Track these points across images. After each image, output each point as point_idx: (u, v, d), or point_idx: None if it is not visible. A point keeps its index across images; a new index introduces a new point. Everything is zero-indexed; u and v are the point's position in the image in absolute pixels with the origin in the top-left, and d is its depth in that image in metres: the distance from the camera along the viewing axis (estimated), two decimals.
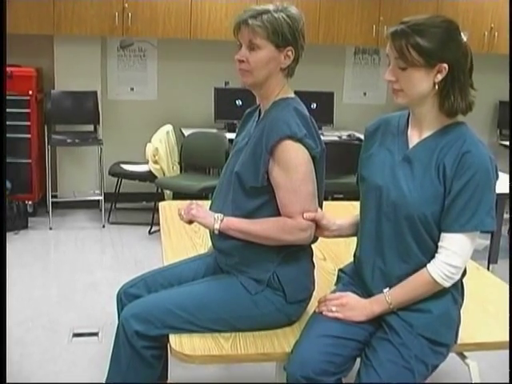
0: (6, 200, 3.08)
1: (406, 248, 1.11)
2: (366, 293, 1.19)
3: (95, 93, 3.60)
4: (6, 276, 1.53)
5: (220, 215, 1.22)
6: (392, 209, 1.12)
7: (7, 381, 1.33)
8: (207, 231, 1.33)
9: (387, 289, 1.13)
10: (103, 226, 3.43)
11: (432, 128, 1.11)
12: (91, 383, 1.15)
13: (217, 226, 1.21)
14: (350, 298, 1.17)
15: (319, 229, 1.22)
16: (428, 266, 1.09)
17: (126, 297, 1.35)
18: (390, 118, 1.21)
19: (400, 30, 1.05)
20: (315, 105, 3.84)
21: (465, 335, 1.18)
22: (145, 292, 1.33)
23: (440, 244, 1.09)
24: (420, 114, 1.11)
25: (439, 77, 1.06)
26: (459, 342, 1.17)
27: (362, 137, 3.34)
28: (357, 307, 1.15)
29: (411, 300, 1.11)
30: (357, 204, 1.26)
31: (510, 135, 1.12)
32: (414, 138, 1.14)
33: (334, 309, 1.15)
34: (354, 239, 1.26)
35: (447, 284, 1.09)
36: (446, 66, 1.05)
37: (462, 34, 1.06)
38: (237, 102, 3.70)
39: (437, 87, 1.06)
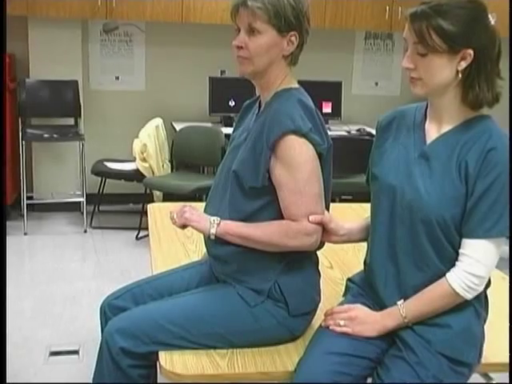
0: (6, 200, 3.08)
1: (422, 255, 1.12)
2: (378, 305, 1.19)
3: (76, 82, 3.60)
4: (5, 277, 1.57)
5: (216, 219, 1.22)
6: (407, 211, 1.12)
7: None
8: (201, 236, 1.33)
9: (401, 301, 1.13)
10: (85, 231, 3.43)
11: (453, 121, 1.11)
12: (94, 383, 1.18)
13: (213, 231, 1.21)
14: (360, 310, 1.17)
15: (326, 233, 1.22)
16: (447, 275, 1.09)
17: (110, 310, 1.35)
18: (405, 110, 1.21)
19: (420, 10, 1.04)
20: (321, 96, 3.84)
21: (490, 354, 1.18)
22: (131, 304, 1.33)
23: (461, 251, 1.09)
24: (440, 105, 1.11)
25: (463, 64, 1.05)
26: (483, 361, 1.16)
27: (373, 131, 3.30)
28: (367, 321, 1.15)
29: (429, 314, 1.11)
30: (367, 206, 1.26)
31: (510, 135, 1.12)
32: (432, 132, 1.14)
33: (341, 323, 1.16)
34: (364, 245, 1.26)
35: (469, 296, 1.08)
36: (471, 52, 1.04)
37: (489, 16, 1.06)
38: (234, 93, 3.71)
39: (460, 76, 1.06)
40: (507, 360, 1.20)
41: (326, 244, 1.29)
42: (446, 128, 1.12)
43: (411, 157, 1.14)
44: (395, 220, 1.14)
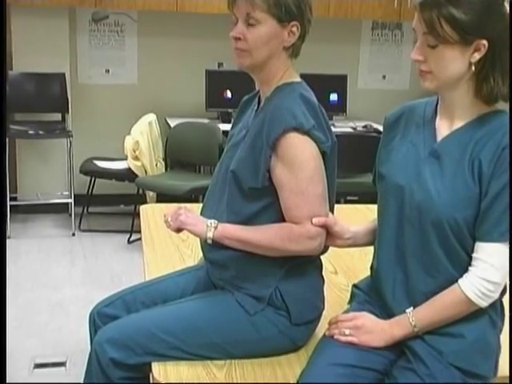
0: (6, 199, 3.08)
1: (433, 259, 1.12)
2: (386, 313, 1.19)
3: (63, 75, 3.60)
4: (5, 277, 1.58)
5: (213, 222, 1.22)
6: (416, 213, 1.12)
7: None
8: (197, 240, 1.34)
9: (411, 308, 1.13)
10: (73, 234, 3.43)
11: (466, 117, 1.11)
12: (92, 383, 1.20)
13: (210, 235, 1.21)
14: (367, 318, 1.17)
15: (330, 237, 1.22)
16: (460, 281, 1.09)
17: (100, 318, 1.36)
18: (414, 105, 1.21)
19: None
20: (325, 90, 3.85)
21: (506, 366, 1.17)
22: (123, 312, 1.34)
23: (475, 255, 1.09)
24: (452, 100, 1.11)
25: (477, 56, 1.05)
26: (499, 374, 1.16)
27: (380, 128, 3.31)
28: (374, 330, 1.15)
29: (440, 322, 1.11)
30: (374, 207, 1.26)
31: (510, 135, 1.12)
32: (443, 128, 1.14)
33: (347, 332, 1.16)
34: (371, 249, 1.27)
35: (484, 303, 1.08)
36: (485, 42, 1.04)
37: (505, 4, 1.06)
38: (232, 88, 3.71)
39: (473, 68, 1.06)
40: None
41: (331, 248, 1.29)
42: (458, 124, 1.12)
43: (421, 155, 1.14)
44: (403, 222, 1.14)
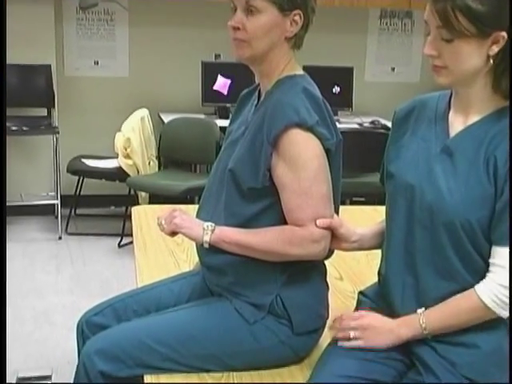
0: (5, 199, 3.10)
1: (445, 263, 1.12)
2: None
3: (48, 67, 3.61)
4: (5, 276, 1.61)
5: (210, 224, 1.23)
6: (427, 213, 1.12)
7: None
8: (193, 244, 1.34)
9: (422, 309, 1.13)
10: (59, 238, 3.44)
11: (482, 112, 1.11)
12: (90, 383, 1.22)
13: (207, 239, 1.22)
14: (373, 317, 1.17)
15: (336, 239, 1.23)
16: (476, 287, 1.09)
17: (88, 328, 1.36)
18: (426, 99, 1.22)
19: None
20: (330, 84, 3.86)
21: None
22: (113, 321, 1.34)
23: (491, 261, 1.09)
24: (467, 94, 1.11)
25: (495, 48, 1.05)
26: None
27: (388, 124, 3.30)
28: (381, 330, 1.14)
29: (452, 327, 1.11)
30: (382, 209, 1.27)
31: (510, 134, 1.13)
32: (456, 124, 1.14)
33: (352, 334, 1.16)
34: (378, 253, 1.27)
35: (503, 312, 1.08)
36: (504, 34, 1.04)
37: None
38: (230, 81, 3.72)
39: (491, 62, 1.06)
40: None
41: (336, 252, 1.29)
42: (474, 119, 1.11)
43: (432, 152, 1.14)
44: (414, 224, 1.14)
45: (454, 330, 1.12)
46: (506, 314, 1.08)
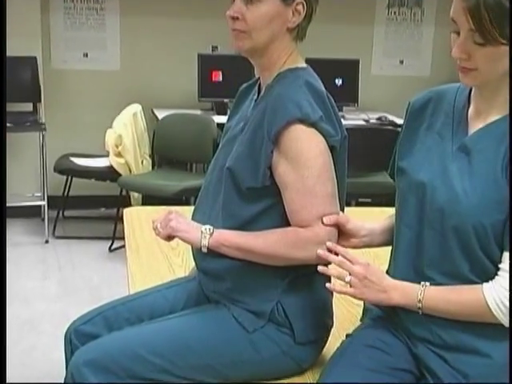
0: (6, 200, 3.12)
1: (453, 268, 1.12)
2: (403, 330, 1.20)
3: (34, 59, 3.61)
4: (5, 278, 1.63)
5: (209, 227, 1.23)
6: (438, 215, 1.12)
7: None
8: (189, 247, 1.34)
9: (427, 283, 1.13)
10: (46, 242, 3.44)
11: (503, 111, 1.10)
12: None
13: (205, 242, 1.22)
14: (374, 271, 1.15)
15: (343, 236, 1.23)
16: (485, 284, 1.10)
17: (77, 337, 1.36)
18: (443, 90, 1.21)
19: None
20: (334, 77, 3.86)
21: None
22: (104, 330, 1.34)
23: (501, 266, 1.09)
24: (492, 95, 1.10)
25: None
26: None
27: (396, 120, 3.30)
28: (376, 288, 1.13)
29: (446, 313, 1.12)
30: (390, 211, 1.27)
31: (509, 134, 1.13)
32: (476, 120, 1.13)
33: (348, 278, 1.14)
34: (387, 257, 1.27)
35: (502, 317, 1.08)
36: None
37: None
38: (228, 74, 3.72)
39: None
40: None
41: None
42: (496, 116, 1.11)
43: (448, 149, 1.14)
44: (424, 225, 1.15)
45: (447, 316, 1.12)
46: (504, 319, 1.08)
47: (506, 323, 1.09)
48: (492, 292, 1.09)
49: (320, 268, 1.17)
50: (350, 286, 1.15)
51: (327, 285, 1.16)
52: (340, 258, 1.16)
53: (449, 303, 1.11)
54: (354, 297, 1.16)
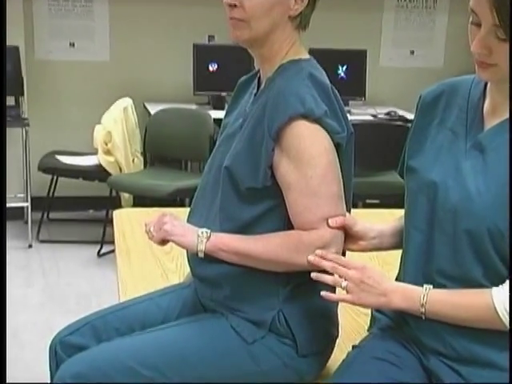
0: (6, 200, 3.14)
1: (465, 273, 1.12)
2: (413, 341, 1.20)
3: (15, 49, 3.61)
4: (5, 278, 1.66)
5: (206, 231, 1.23)
6: (450, 217, 1.12)
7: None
8: (183, 252, 1.35)
9: (430, 286, 1.13)
10: (30, 246, 3.44)
11: None
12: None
13: (201, 247, 1.22)
14: (371, 273, 1.15)
15: (351, 239, 1.23)
16: (494, 288, 1.10)
17: (63, 349, 1.36)
18: (457, 83, 1.21)
19: None
20: (340, 69, 3.87)
21: None
22: (92, 341, 1.34)
23: None
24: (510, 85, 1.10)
25: None
26: None
27: (407, 115, 3.30)
28: (375, 292, 1.13)
29: (454, 319, 1.11)
30: (399, 213, 1.27)
31: (510, 133, 1.13)
32: (492, 116, 1.13)
33: (344, 284, 1.14)
34: (396, 264, 1.27)
35: (507, 324, 1.08)
36: None
37: None
38: (226, 66, 3.73)
39: None
40: None
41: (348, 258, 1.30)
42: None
43: (462, 147, 1.14)
44: (435, 227, 1.15)
45: (451, 322, 1.12)
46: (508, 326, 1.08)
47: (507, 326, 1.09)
48: (500, 296, 1.09)
49: (313, 274, 1.17)
50: (348, 292, 1.15)
51: (322, 293, 1.16)
52: (332, 263, 1.16)
53: (454, 307, 1.12)
54: (353, 303, 1.16)
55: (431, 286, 1.13)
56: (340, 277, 1.16)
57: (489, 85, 1.16)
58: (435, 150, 1.18)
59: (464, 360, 1.14)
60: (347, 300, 1.16)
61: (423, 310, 1.12)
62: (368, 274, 1.15)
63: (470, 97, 1.17)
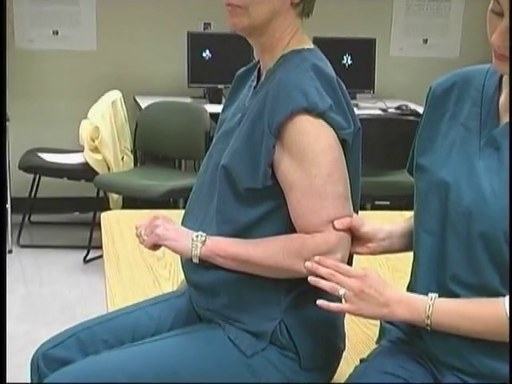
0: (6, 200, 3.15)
1: (481, 280, 1.13)
2: (426, 355, 1.20)
3: None
4: (5, 278, 1.70)
5: (201, 234, 1.23)
6: (464, 219, 1.13)
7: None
8: (177, 258, 1.35)
9: (435, 295, 1.13)
10: (10, 251, 3.44)
11: None
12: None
13: (196, 252, 1.22)
14: (372, 282, 1.14)
15: (358, 242, 1.24)
16: (507, 297, 1.10)
17: (46, 363, 1.36)
18: (470, 73, 1.21)
19: None
20: (346, 60, 3.87)
21: None
22: (78, 354, 1.34)
23: None
24: None
25: None
26: None
27: (419, 109, 3.31)
28: (376, 302, 1.13)
29: (462, 331, 1.11)
30: (410, 215, 1.27)
31: (510, 133, 1.13)
32: (507, 111, 1.13)
33: (342, 292, 1.14)
34: (407, 271, 1.28)
35: None
36: None
37: None
38: (223, 56, 3.73)
39: None
40: None
41: (354, 267, 1.30)
42: None
43: (475, 143, 1.15)
44: (447, 231, 1.15)
45: (459, 333, 1.12)
46: None
47: None
48: None
49: (311, 278, 1.17)
50: (346, 302, 1.15)
51: (318, 302, 1.15)
52: (330, 270, 1.16)
53: (462, 317, 1.12)
54: (352, 313, 1.16)
55: (436, 295, 1.13)
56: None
57: (505, 76, 1.16)
58: (446, 147, 1.18)
59: (483, 377, 1.14)
60: (345, 310, 1.16)
61: (428, 321, 1.12)
62: (369, 282, 1.15)
63: (484, 89, 1.18)
